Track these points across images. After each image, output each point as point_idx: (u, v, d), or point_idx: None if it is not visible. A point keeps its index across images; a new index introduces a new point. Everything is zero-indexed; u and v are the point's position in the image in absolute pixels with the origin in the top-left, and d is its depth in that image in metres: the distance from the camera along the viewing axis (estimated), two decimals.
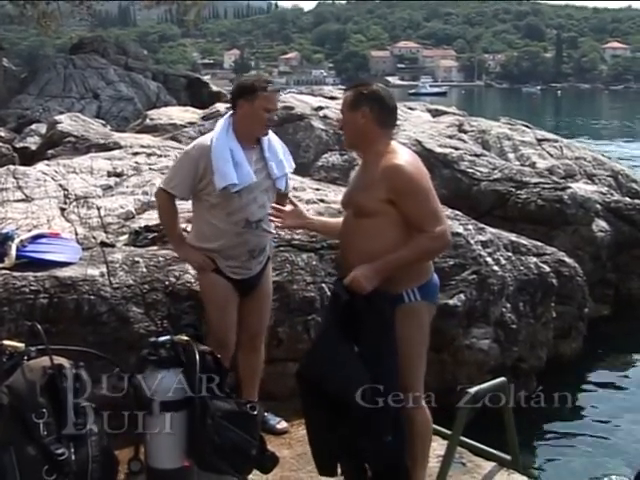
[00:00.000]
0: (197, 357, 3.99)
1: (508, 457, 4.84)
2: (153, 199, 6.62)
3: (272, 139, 4.69)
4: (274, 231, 4.76)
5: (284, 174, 4.70)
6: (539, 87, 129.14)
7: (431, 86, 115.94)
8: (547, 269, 7.23)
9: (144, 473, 4.19)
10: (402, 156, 3.85)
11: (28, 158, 10.54)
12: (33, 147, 11.67)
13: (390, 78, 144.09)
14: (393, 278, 3.79)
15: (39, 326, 4.03)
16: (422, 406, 4.08)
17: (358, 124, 3.90)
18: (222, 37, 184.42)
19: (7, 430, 3.75)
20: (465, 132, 12.23)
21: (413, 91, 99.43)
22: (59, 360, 3.92)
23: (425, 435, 4.14)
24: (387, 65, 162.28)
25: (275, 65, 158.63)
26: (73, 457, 3.79)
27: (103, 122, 13.42)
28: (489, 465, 4.79)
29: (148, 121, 12.65)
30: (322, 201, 6.98)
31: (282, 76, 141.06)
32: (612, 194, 11.17)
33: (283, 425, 5.05)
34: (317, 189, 7.63)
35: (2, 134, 12.95)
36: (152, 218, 6.32)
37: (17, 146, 11.98)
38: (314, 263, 5.75)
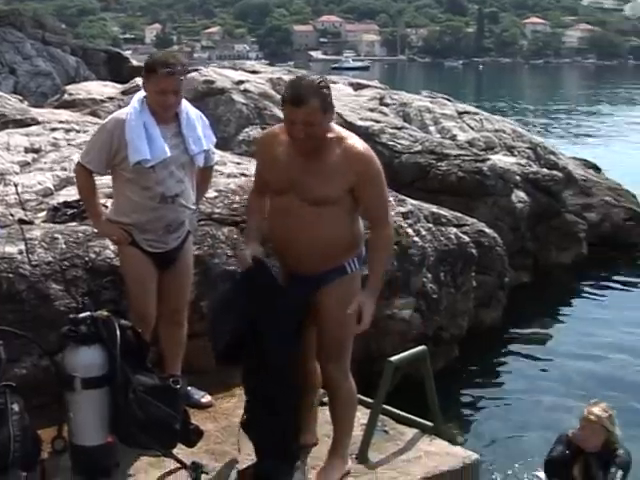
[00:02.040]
0: (117, 332, 3.98)
1: (430, 424, 4.91)
2: (72, 175, 6.52)
3: (190, 114, 4.65)
4: (193, 207, 4.73)
5: (202, 150, 4.67)
6: (461, 61, 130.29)
7: (354, 60, 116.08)
8: (467, 239, 7.36)
9: (68, 451, 4.16)
10: (360, 141, 3.87)
11: None
12: None
13: (313, 52, 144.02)
14: (336, 252, 3.85)
15: None
16: (349, 375, 4.16)
17: (328, 124, 3.83)
18: (143, 11, 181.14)
19: None
20: (386, 105, 12.32)
21: (336, 65, 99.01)
22: None
23: (350, 404, 4.23)
24: (310, 39, 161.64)
25: (197, 40, 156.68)
26: None
27: (20, 98, 13.09)
28: (411, 432, 4.84)
29: (67, 96, 12.42)
30: (243, 175, 6.95)
31: (205, 51, 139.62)
32: (531, 165, 11.39)
33: (207, 399, 5.05)
34: (238, 163, 7.60)
35: None
36: (71, 194, 6.23)
37: None
38: (235, 237, 5.74)
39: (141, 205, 4.50)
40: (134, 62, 22.27)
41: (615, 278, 11.52)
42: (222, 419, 4.88)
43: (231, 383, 5.03)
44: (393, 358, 4.62)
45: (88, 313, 4.05)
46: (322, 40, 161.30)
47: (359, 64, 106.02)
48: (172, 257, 4.66)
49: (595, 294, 10.83)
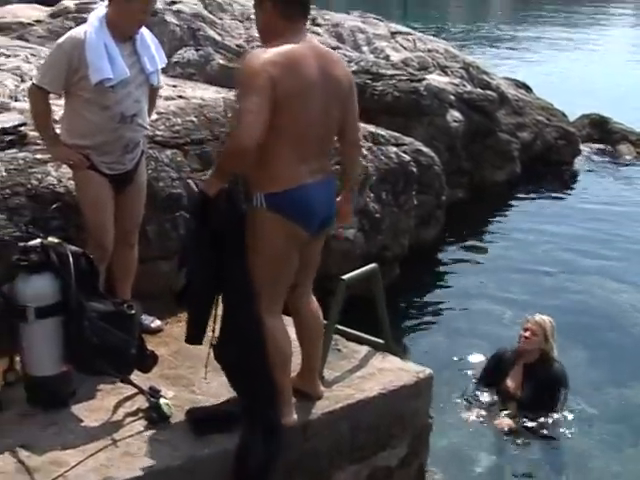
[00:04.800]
0: (70, 259, 3.91)
1: (381, 341, 4.96)
2: (6, 101, 6.34)
3: (144, 34, 4.61)
4: (148, 127, 4.72)
5: (156, 69, 4.63)
6: None
7: None
8: (407, 158, 7.37)
9: (20, 383, 4.10)
10: (266, 51, 3.63)
11: None
12: None
13: None
14: (249, 180, 3.75)
15: None
16: (271, 313, 3.89)
17: (263, 20, 3.76)
18: None
19: None
20: (319, 25, 12.16)
21: None
22: None
23: (277, 341, 3.91)
24: None
25: None
26: None
27: None
28: (364, 349, 4.88)
29: None
30: (181, 97, 6.82)
31: None
32: (465, 85, 11.41)
33: (157, 323, 5.01)
34: (174, 86, 7.44)
35: None
36: (6, 120, 6.02)
37: None
38: (179, 159, 5.67)
39: (101, 126, 4.44)
40: None
41: (547, 195, 11.71)
42: (173, 343, 4.84)
43: (177, 308, 4.98)
44: (345, 277, 4.60)
45: (38, 241, 3.96)
46: None
47: None
48: (127, 178, 4.64)
49: (528, 210, 11.00)
